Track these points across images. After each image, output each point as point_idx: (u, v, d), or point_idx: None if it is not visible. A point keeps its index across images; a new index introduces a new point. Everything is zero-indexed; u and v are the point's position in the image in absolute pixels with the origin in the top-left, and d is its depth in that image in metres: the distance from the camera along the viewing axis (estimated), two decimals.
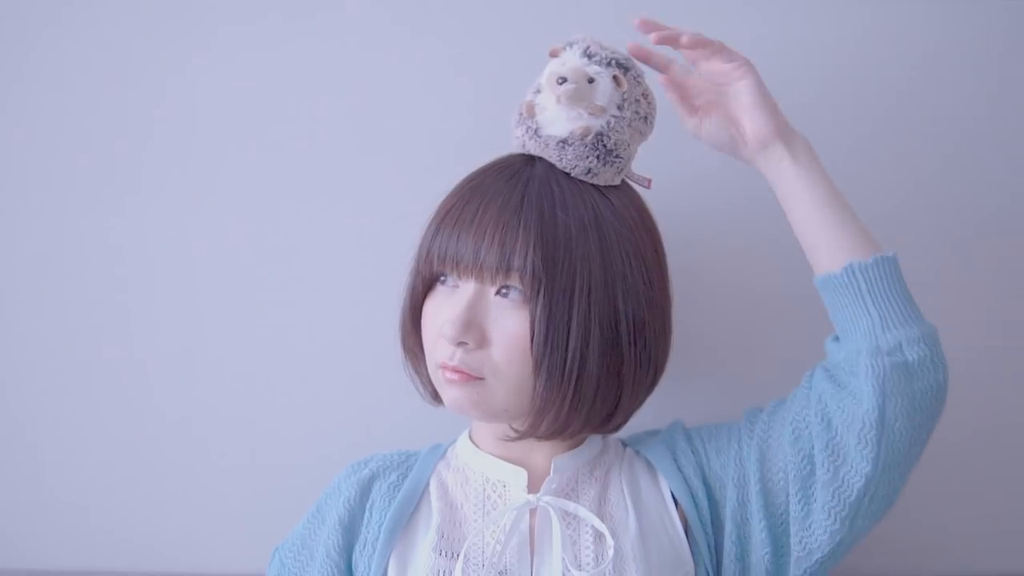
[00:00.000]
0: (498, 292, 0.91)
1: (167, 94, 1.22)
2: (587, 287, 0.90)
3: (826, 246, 0.93)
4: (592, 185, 0.94)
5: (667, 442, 1.02)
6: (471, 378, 0.92)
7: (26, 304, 1.23)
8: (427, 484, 1.00)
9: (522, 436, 0.94)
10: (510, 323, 0.90)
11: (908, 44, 1.22)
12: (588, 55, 0.95)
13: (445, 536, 0.95)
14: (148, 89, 1.22)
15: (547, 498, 0.95)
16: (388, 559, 0.96)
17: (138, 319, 1.22)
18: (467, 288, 0.91)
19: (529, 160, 0.96)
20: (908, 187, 1.22)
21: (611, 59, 0.95)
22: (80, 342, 1.23)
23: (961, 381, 1.19)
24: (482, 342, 0.91)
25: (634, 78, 0.97)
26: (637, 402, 0.98)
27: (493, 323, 0.91)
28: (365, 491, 1.01)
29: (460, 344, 0.91)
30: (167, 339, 1.22)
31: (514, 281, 0.90)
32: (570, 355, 0.90)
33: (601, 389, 0.92)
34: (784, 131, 0.95)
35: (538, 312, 0.89)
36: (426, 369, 0.98)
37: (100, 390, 1.23)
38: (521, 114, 0.97)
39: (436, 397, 0.99)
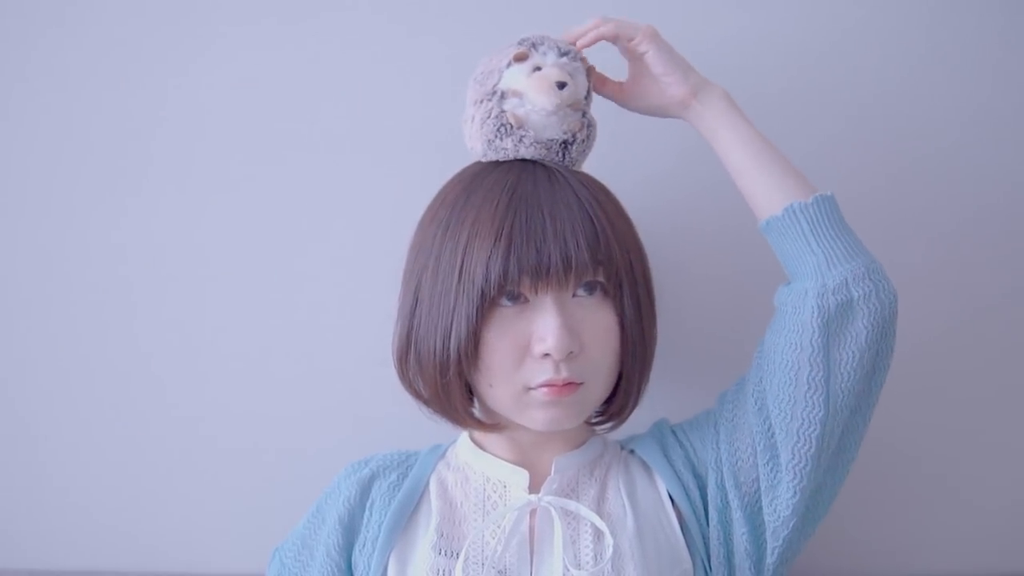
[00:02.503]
0: (574, 295, 0.91)
1: (170, 95, 1.23)
2: (639, 267, 0.94)
3: (764, 191, 0.95)
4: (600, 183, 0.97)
5: (657, 440, 1.02)
6: (576, 386, 0.91)
7: (30, 303, 1.23)
8: (427, 483, 1.00)
9: (615, 421, 0.99)
10: (600, 319, 0.91)
11: (904, 40, 1.22)
12: (563, 53, 0.96)
13: (444, 535, 0.95)
14: (152, 90, 1.23)
15: (548, 498, 0.95)
16: (388, 558, 0.96)
17: (142, 319, 1.23)
18: (547, 300, 0.90)
19: (530, 163, 0.95)
20: (908, 185, 1.22)
21: (577, 53, 0.98)
22: (84, 341, 1.23)
23: (962, 379, 1.22)
24: (581, 346, 0.91)
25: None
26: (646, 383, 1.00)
27: (582, 324, 0.90)
28: (365, 490, 1.00)
29: (568, 355, 0.89)
30: (171, 339, 1.23)
31: (600, 277, 0.91)
32: (647, 334, 0.94)
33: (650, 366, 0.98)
34: (699, 88, 0.98)
35: (625, 302, 0.92)
36: (465, 402, 0.95)
37: (104, 390, 1.23)
38: (506, 126, 0.94)
39: (469, 421, 0.97)
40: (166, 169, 1.23)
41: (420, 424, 1.07)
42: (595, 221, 0.90)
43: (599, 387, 0.94)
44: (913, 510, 1.23)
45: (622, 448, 1.05)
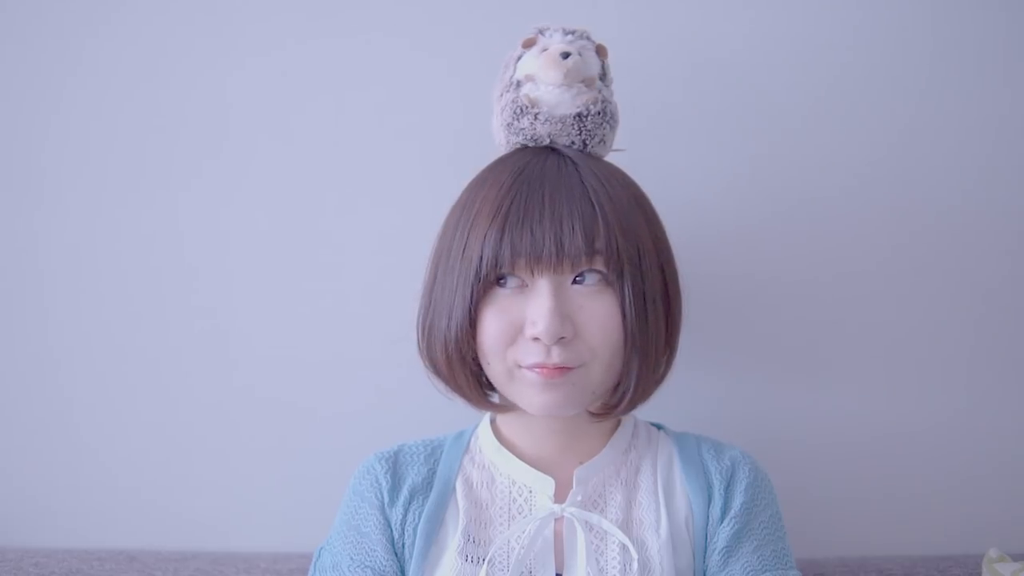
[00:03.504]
0: (574, 281, 0.89)
1: (195, 91, 1.24)
2: (649, 258, 0.90)
3: None
4: (621, 173, 0.96)
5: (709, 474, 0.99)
6: (568, 370, 0.89)
7: (63, 294, 1.25)
8: (455, 484, 0.97)
9: (619, 412, 0.94)
10: (599, 306, 0.89)
11: (904, 39, 1.23)
12: (567, 33, 0.97)
13: (471, 539, 0.93)
14: (176, 85, 1.24)
15: (572, 509, 0.93)
16: (424, 563, 0.94)
17: (171, 308, 1.25)
18: (542, 284, 0.88)
19: (545, 150, 0.95)
20: (909, 184, 1.23)
21: (585, 33, 0.98)
22: (117, 330, 1.25)
23: (961, 378, 1.24)
24: (575, 331, 0.89)
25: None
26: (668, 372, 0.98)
27: (579, 311, 0.89)
28: (397, 486, 0.97)
29: (560, 340, 0.88)
30: (197, 328, 1.25)
31: (598, 265, 0.88)
32: (651, 327, 0.90)
33: (663, 358, 0.94)
34: None
35: (626, 291, 0.88)
36: (473, 377, 0.95)
37: (135, 377, 1.25)
38: (522, 107, 0.94)
39: (483, 402, 0.97)
40: (192, 163, 1.24)
41: (444, 409, 1.09)
42: (597, 207, 0.88)
43: (597, 374, 0.91)
44: (909, 495, 1.24)
45: (659, 429, 1.03)
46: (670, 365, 0.97)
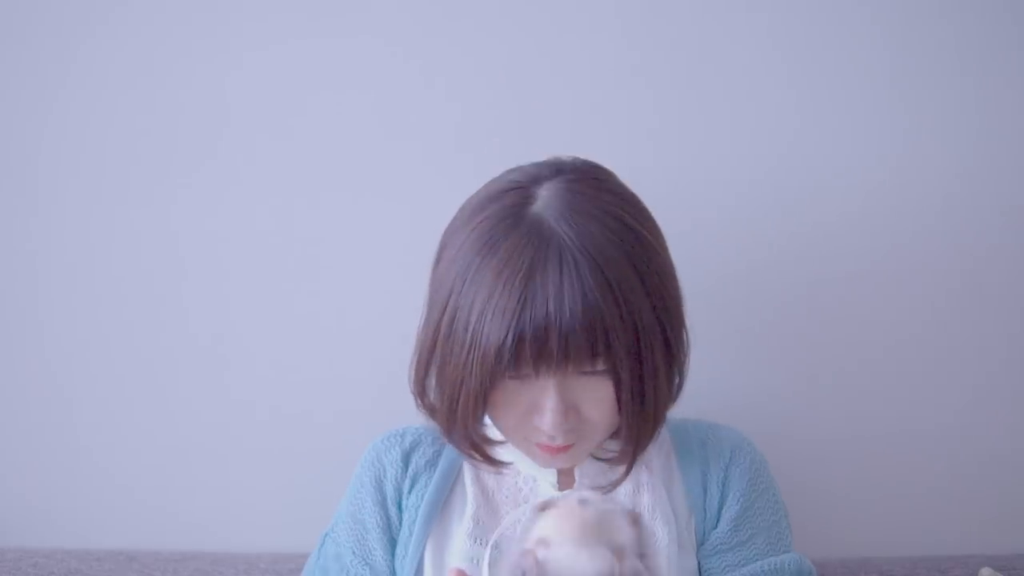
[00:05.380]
0: (582, 372, 0.89)
1: (191, 89, 1.23)
2: (648, 335, 0.89)
3: None
4: (614, 213, 0.91)
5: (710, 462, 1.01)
6: (566, 448, 0.92)
7: (60, 295, 1.25)
8: (461, 466, 1.00)
9: (627, 462, 0.95)
10: (600, 394, 0.89)
11: (904, 37, 1.22)
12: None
13: (480, 523, 0.96)
14: (172, 83, 1.23)
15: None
16: (424, 544, 0.96)
17: (170, 309, 1.24)
18: (547, 381, 0.89)
19: (525, 199, 0.91)
20: (908, 183, 1.23)
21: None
22: (113, 332, 1.25)
23: (963, 378, 1.24)
24: (579, 418, 0.91)
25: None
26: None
27: (580, 397, 0.90)
28: (405, 461, 1.00)
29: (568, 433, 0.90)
30: (195, 329, 1.24)
31: (600, 366, 0.88)
32: (649, 398, 0.90)
33: (663, 410, 0.94)
34: None
35: (623, 375, 0.88)
36: (474, 434, 0.94)
37: (133, 376, 1.25)
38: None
39: (478, 455, 0.96)
40: (188, 162, 1.23)
41: None
42: (606, 312, 0.86)
43: (596, 440, 0.94)
44: (911, 495, 1.24)
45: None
46: (679, 390, 0.97)
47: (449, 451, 1.00)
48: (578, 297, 0.86)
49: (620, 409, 0.90)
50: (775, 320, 1.24)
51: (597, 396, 0.90)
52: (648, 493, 0.97)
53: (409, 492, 0.99)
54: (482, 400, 0.90)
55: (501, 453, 0.97)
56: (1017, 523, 1.24)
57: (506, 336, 0.87)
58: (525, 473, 0.98)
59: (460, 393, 0.91)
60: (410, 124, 1.23)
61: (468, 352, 0.89)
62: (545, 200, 0.90)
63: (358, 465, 1.04)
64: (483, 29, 1.22)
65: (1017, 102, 1.22)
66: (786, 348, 1.24)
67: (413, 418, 1.14)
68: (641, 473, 0.98)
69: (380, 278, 1.23)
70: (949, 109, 1.22)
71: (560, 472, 0.98)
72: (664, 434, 1.01)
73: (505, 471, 0.98)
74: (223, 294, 1.25)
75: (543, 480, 0.98)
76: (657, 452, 1.00)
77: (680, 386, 0.97)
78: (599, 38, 1.21)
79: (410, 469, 1.00)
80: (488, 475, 0.99)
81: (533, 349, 0.86)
